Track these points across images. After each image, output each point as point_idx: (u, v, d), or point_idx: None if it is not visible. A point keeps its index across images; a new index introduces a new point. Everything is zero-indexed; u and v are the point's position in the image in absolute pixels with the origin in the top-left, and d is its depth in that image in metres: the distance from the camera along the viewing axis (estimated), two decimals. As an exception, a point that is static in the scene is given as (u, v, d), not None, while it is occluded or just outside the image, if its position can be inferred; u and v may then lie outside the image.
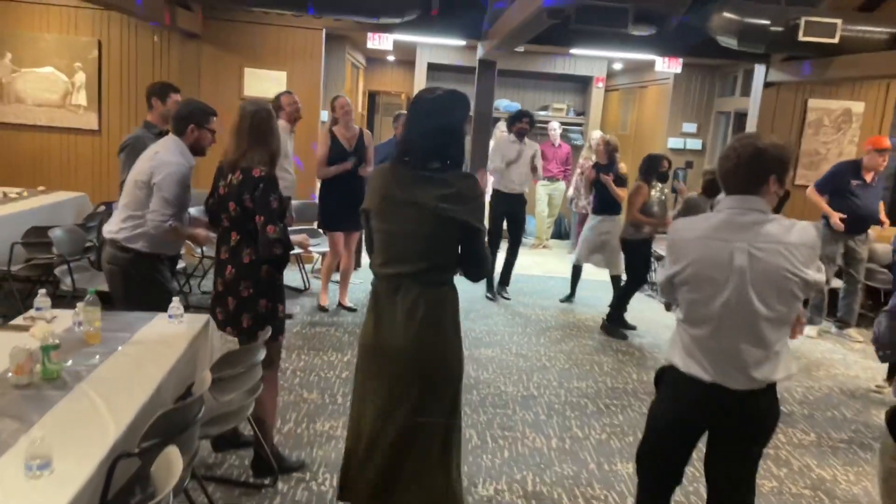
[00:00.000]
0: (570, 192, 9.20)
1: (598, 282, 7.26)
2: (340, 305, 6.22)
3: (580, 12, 5.53)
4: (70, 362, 2.60)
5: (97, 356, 2.70)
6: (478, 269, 2.55)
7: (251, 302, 3.08)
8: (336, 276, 6.44)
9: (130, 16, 6.79)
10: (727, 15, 6.40)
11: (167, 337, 2.99)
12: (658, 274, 2.43)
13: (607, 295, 6.82)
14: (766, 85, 7.51)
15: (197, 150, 3.56)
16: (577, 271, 6.95)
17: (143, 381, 2.52)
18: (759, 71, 7.56)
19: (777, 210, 2.51)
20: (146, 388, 2.46)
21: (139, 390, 2.44)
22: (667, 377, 2.36)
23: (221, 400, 2.75)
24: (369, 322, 2.56)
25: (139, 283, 3.46)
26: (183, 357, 2.84)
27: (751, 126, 7.82)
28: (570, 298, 6.99)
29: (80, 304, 2.93)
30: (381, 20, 6.56)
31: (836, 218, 5.98)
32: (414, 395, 2.48)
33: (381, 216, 2.48)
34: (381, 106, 15.12)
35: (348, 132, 5.96)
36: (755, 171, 2.15)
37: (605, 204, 6.54)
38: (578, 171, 8.80)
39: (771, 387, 2.23)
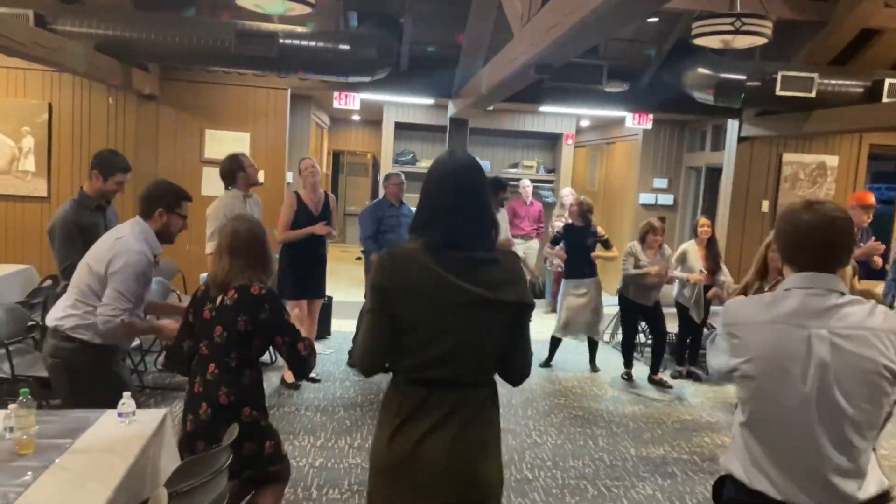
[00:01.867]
0: (546, 249, 8.97)
1: (573, 343, 6.94)
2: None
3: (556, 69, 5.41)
4: (-5, 483, 2.16)
5: (29, 473, 2.26)
6: (524, 361, 2.09)
7: (235, 448, 2.61)
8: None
9: (82, 77, 6.45)
10: (702, 70, 6.35)
11: (115, 443, 2.55)
12: (711, 358, 2.07)
13: (584, 356, 6.66)
14: (741, 139, 7.45)
15: (165, 236, 3.22)
16: (556, 339, 6.65)
17: (83, 505, 2.09)
18: (733, 126, 7.52)
19: None
20: (87, 515, 2.03)
21: (79, 519, 2.01)
22: (727, 493, 1.99)
23: (180, 519, 2.32)
24: (386, 436, 2.02)
25: (88, 378, 3.02)
26: (134, 467, 2.40)
27: (726, 181, 7.73)
28: (548, 363, 6.65)
29: (11, 407, 2.49)
30: (351, 79, 6.34)
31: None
32: None
33: (424, 310, 1.97)
34: (346, 165, 14.92)
35: (314, 196, 5.64)
36: (839, 244, 1.84)
37: (575, 267, 6.35)
38: (552, 230, 8.59)
39: None
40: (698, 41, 5.09)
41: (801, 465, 1.82)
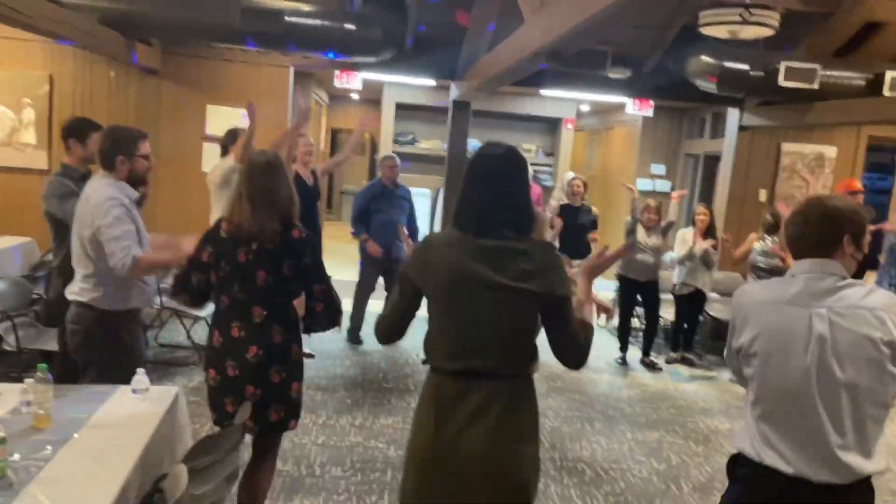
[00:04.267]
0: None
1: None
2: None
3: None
4: (17, 456, 2.20)
5: (48, 447, 2.30)
6: (575, 353, 2.06)
7: (283, 389, 2.67)
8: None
9: (88, 50, 6.39)
10: (705, 59, 6.35)
11: (131, 418, 2.59)
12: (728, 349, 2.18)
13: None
14: (741, 128, 7.49)
15: (135, 180, 3.16)
16: None
17: (103, 480, 2.12)
18: (733, 114, 7.54)
19: (859, 275, 2.30)
20: (109, 490, 2.07)
21: (100, 493, 2.05)
22: (739, 471, 2.07)
23: (196, 494, 2.37)
24: (426, 427, 2.05)
25: (105, 344, 3.06)
26: (150, 443, 2.45)
27: (725, 169, 7.78)
28: None
29: (28, 382, 2.52)
30: (356, 59, 6.31)
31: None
32: None
33: (451, 299, 2.02)
34: (344, 144, 14.85)
35: (306, 170, 5.67)
36: (826, 232, 1.98)
37: (571, 247, 6.42)
38: (548, 213, 8.63)
39: (866, 484, 1.95)
40: (705, 30, 5.10)
41: (807, 440, 1.92)
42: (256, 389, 2.68)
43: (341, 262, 8.77)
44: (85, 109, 6.69)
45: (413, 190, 6.57)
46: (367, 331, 6.44)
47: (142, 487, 2.31)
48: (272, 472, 3.02)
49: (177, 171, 6.75)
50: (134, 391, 2.76)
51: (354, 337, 6.39)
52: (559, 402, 5.34)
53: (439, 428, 2.01)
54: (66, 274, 3.33)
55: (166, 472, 2.48)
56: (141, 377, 2.78)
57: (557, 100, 9.66)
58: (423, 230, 9.90)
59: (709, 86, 6.43)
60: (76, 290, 3.09)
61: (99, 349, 3.07)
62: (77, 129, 4.01)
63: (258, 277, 2.67)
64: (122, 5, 5.57)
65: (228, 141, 4.96)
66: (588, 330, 2.09)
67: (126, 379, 2.81)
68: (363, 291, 6.40)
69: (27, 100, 6.62)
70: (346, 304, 6.44)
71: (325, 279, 2.84)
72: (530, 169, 7.72)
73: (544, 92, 8.83)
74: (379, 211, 6.18)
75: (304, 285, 2.82)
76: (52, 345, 4.13)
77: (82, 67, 6.71)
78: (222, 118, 6.90)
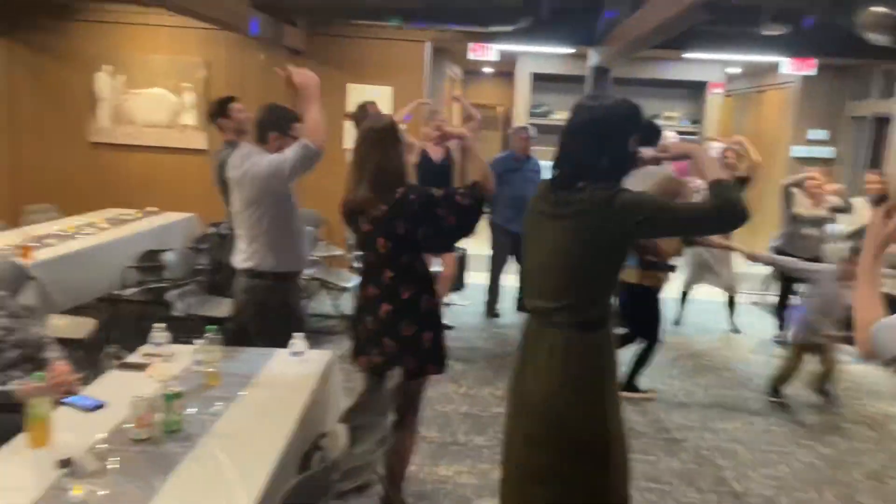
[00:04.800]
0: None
1: (709, 304, 6.63)
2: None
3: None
4: (191, 410, 2.35)
5: (219, 403, 2.44)
6: (712, 222, 2.04)
7: (415, 341, 2.77)
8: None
9: (240, 34, 6.74)
10: (877, 9, 5.72)
11: (291, 379, 2.71)
12: (885, 340, 1.56)
13: (716, 316, 6.42)
14: (918, 85, 6.73)
15: None
16: (685, 294, 6.39)
17: (270, 435, 2.23)
18: (909, 70, 6.79)
19: None
20: (275, 444, 2.16)
21: (268, 447, 2.14)
22: None
23: (355, 452, 2.44)
24: (516, 360, 2.30)
25: (275, 310, 3.25)
26: (310, 402, 2.54)
27: (894, 132, 7.03)
28: (677, 322, 6.37)
29: (199, 342, 2.69)
30: (491, 29, 6.24)
31: None
32: (545, 464, 2.15)
33: (524, 239, 2.29)
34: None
35: (439, 149, 5.67)
36: None
37: None
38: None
39: None
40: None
41: None
42: (391, 341, 2.76)
43: (475, 238, 8.79)
44: (238, 91, 7.05)
45: (547, 163, 6.42)
46: (504, 305, 6.43)
47: (304, 442, 2.41)
48: (413, 435, 3.05)
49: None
50: (293, 354, 2.88)
51: (491, 310, 6.39)
52: (708, 379, 5.08)
53: (519, 366, 2.26)
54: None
55: (323, 431, 2.57)
56: (299, 340, 2.89)
57: (702, 62, 9.10)
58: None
59: (883, 39, 5.80)
60: (242, 258, 3.26)
61: (269, 315, 3.24)
62: (218, 108, 4.51)
63: (378, 244, 2.74)
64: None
65: (361, 115, 5.07)
66: (721, 189, 1.99)
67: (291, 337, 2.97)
68: (496, 266, 6.36)
69: (187, 84, 7.08)
70: (481, 279, 6.52)
71: (444, 198, 2.70)
72: (673, 137, 7.07)
73: (688, 55, 8.35)
74: (508, 183, 6.06)
75: (429, 222, 2.71)
76: (217, 311, 4.42)
77: (235, 52, 7.08)
78: (363, 95, 7.07)
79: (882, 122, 7.86)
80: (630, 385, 4.52)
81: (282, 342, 2.96)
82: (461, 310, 6.40)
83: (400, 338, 2.74)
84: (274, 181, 3.11)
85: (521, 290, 2.28)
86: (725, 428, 4.27)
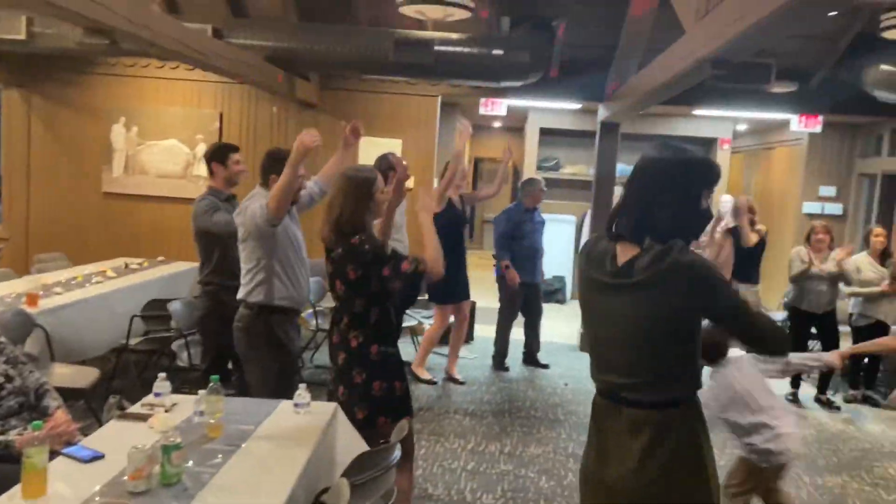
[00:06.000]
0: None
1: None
2: (449, 377, 5.81)
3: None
4: (191, 462, 2.28)
5: (219, 455, 2.37)
6: (761, 341, 1.93)
7: (365, 388, 2.82)
8: (444, 349, 6.07)
9: (254, 86, 6.86)
10: (886, 67, 5.79)
11: (294, 431, 2.64)
12: None
13: None
14: (927, 143, 6.74)
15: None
16: None
17: (271, 489, 2.15)
18: (917, 128, 6.81)
19: None
20: (275, 499, 2.09)
21: (268, 501, 2.07)
22: None
23: (356, 510, 2.35)
24: (588, 443, 2.07)
25: (262, 340, 3.40)
26: (313, 456, 2.47)
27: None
28: None
29: (202, 393, 2.64)
30: (503, 84, 6.33)
31: None
32: None
33: (584, 305, 2.03)
34: (485, 172, 14.99)
35: (457, 196, 5.69)
36: None
37: (743, 272, 5.99)
38: (705, 238, 8.16)
39: None
40: (888, 34, 4.64)
41: None
42: (345, 389, 2.85)
43: (483, 291, 8.74)
44: (250, 142, 7.17)
45: (557, 216, 6.42)
46: (513, 358, 6.34)
47: (304, 499, 2.33)
48: (409, 481, 3.15)
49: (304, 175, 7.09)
50: (296, 405, 2.82)
51: (500, 364, 6.30)
52: (721, 438, 4.94)
53: (593, 446, 2.01)
54: (212, 284, 4.07)
55: (325, 485, 2.49)
56: (302, 392, 2.84)
57: (712, 119, 9.19)
58: (567, 257, 9.72)
59: (891, 97, 5.85)
60: (241, 292, 3.47)
61: (256, 343, 3.39)
62: (218, 152, 4.39)
63: (337, 287, 2.84)
64: (286, 43, 5.93)
65: (384, 167, 5.07)
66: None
67: (281, 375, 3.17)
68: (506, 318, 6.30)
69: (200, 136, 7.18)
70: (489, 331, 6.46)
71: (391, 259, 2.77)
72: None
73: (697, 112, 8.42)
74: (523, 237, 6.08)
75: (378, 280, 2.77)
76: (220, 361, 4.36)
77: (248, 104, 7.20)
78: (374, 148, 7.13)
79: (892, 179, 7.85)
80: None
81: (273, 371, 3.20)
82: (468, 363, 6.31)
83: (351, 385, 2.81)
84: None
85: (591, 363, 2.01)
86: (741, 489, 4.12)
